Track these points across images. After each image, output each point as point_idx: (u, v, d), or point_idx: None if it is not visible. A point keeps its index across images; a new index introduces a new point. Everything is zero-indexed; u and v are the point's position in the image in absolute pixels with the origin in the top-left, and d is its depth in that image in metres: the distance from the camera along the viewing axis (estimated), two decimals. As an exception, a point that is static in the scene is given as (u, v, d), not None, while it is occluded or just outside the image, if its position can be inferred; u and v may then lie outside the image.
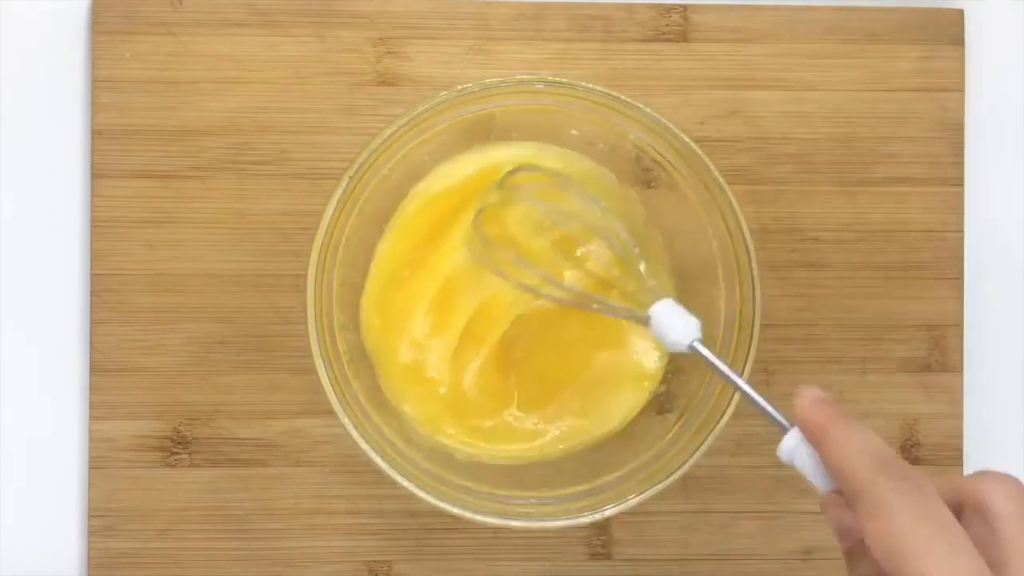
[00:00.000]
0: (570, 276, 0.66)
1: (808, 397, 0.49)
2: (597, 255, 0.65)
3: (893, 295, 0.73)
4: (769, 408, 0.52)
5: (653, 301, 0.59)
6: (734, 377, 0.55)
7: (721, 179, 0.63)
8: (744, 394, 0.54)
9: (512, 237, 0.66)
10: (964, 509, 0.46)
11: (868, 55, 0.73)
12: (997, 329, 0.75)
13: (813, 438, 0.49)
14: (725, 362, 0.56)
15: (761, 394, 0.53)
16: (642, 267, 0.62)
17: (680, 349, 0.57)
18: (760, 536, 0.72)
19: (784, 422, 0.51)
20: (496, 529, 0.63)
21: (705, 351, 0.56)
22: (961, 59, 0.73)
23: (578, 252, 0.66)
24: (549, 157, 0.68)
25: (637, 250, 0.63)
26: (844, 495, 0.47)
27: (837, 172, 0.73)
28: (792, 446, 0.50)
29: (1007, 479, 0.46)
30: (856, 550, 0.49)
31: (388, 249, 0.67)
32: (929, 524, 0.44)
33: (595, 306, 0.64)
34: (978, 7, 0.74)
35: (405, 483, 0.62)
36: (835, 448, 0.47)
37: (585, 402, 0.68)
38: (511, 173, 0.65)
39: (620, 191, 0.68)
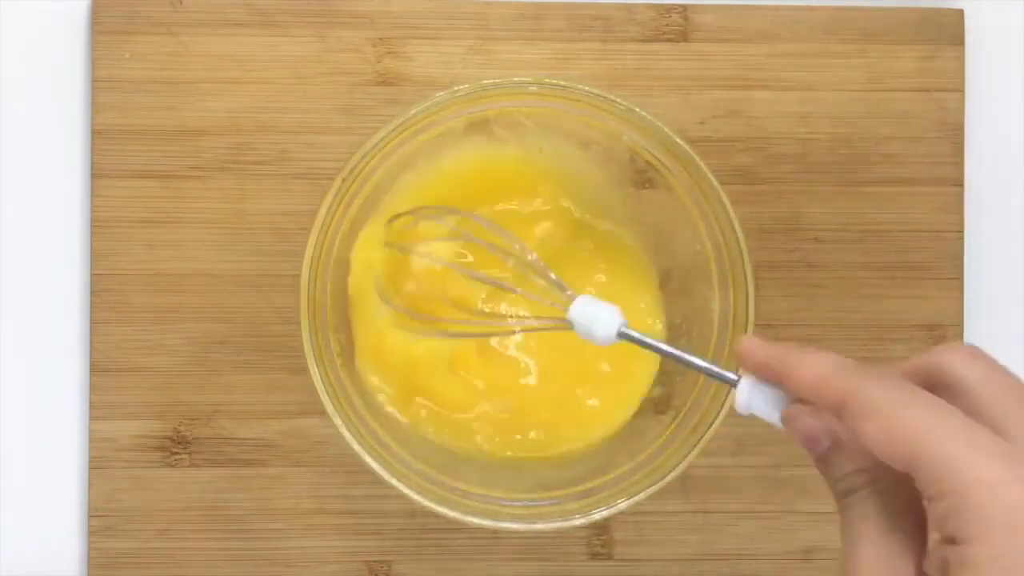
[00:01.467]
0: (485, 308, 0.66)
1: (751, 344, 0.50)
2: (501, 277, 0.64)
3: (893, 295, 0.73)
4: (713, 368, 0.52)
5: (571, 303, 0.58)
6: (668, 349, 0.55)
7: (714, 179, 0.63)
8: (684, 361, 0.54)
9: (420, 285, 0.65)
10: (936, 389, 0.46)
11: (868, 55, 0.73)
12: (997, 329, 0.75)
13: (774, 374, 0.49)
14: (657, 339, 0.56)
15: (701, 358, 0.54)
16: (550, 274, 0.61)
17: (610, 340, 0.56)
18: (760, 536, 0.72)
19: (731, 376, 0.51)
20: (495, 529, 0.63)
21: (634, 333, 0.56)
22: (961, 59, 0.73)
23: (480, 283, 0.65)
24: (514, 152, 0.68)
25: (533, 256, 0.62)
26: (827, 407, 0.47)
27: (837, 172, 0.73)
28: (747, 395, 0.50)
29: (962, 347, 0.47)
30: (831, 453, 0.48)
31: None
32: (929, 409, 0.44)
33: (518, 329, 0.64)
34: (978, 7, 0.74)
35: (397, 484, 0.62)
36: (802, 371, 0.47)
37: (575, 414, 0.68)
38: (390, 222, 0.64)
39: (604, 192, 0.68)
